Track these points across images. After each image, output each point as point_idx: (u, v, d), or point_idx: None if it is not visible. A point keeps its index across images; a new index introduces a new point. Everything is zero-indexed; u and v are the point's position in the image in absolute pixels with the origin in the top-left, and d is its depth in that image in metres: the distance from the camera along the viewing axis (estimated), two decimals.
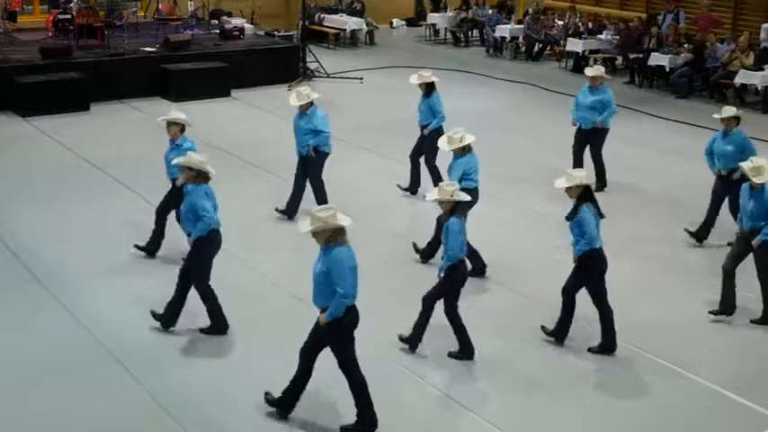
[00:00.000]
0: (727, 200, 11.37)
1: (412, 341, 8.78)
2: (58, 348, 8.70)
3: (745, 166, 9.50)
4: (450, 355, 8.70)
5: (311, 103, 11.53)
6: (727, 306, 9.63)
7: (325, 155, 11.75)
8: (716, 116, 11.46)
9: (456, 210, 8.51)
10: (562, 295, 8.88)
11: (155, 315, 9.02)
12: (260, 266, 10.52)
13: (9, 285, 9.97)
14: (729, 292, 9.61)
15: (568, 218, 8.73)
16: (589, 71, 13.37)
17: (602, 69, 13.63)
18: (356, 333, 7.38)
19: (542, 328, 9.11)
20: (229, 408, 7.80)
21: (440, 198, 8.53)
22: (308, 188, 11.88)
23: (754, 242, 9.38)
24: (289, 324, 8.72)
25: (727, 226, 11.29)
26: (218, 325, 8.96)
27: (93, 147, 14.86)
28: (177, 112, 10.48)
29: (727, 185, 11.19)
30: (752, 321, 9.58)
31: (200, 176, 8.70)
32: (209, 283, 8.84)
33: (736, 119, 11.26)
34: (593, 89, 13.10)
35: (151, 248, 10.70)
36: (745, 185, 9.58)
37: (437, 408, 7.96)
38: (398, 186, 12.99)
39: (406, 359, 8.60)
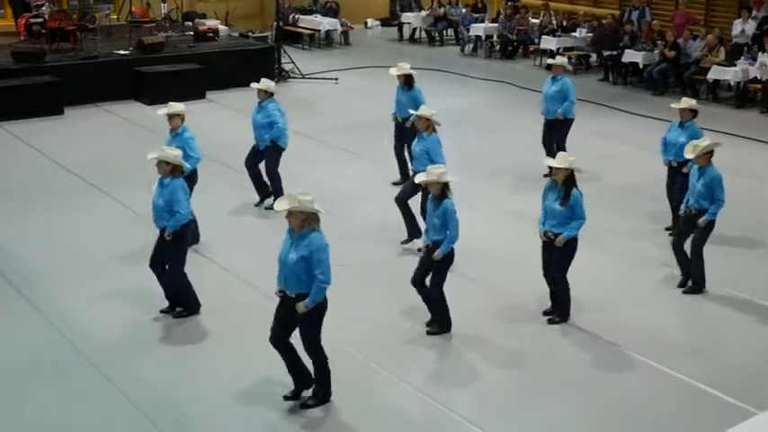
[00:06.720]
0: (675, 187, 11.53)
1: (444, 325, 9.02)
2: (30, 351, 8.64)
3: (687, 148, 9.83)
4: (430, 332, 8.94)
5: (271, 95, 11.81)
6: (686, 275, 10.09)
7: (281, 149, 11.91)
8: (673, 105, 11.58)
9: (446, 192, 8.59)
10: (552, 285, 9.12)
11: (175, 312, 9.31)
12: (229, 264, 10.54)
13: None
14: (686, 264, 9.99)
15: (562, 204, 8.81)
16: (550, 60, 13.72)
17: (565, 60, 13.78)
18: (332, 332, 7.37)
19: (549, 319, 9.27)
20: (204, 405, 7.78)
21: (428, 180, 8.61)
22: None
23: (701, 221, 9.65)
24: (256, 319, 8.76)
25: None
26: (193, 306, 9.31)
27: (68, 151, 14.79)
28: (176, 104, 10.70)
29: (675, 175, 11.37)
30: (684, 292, 9.99)
31: (176, 170, 8.93)
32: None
33: (692, 111, 11.35)
34: (554, 79, 13.33)
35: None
36: (694, 166, 9.82)
37: (413, 406, 7.94)
38: (394, 184, 12.67)
39: (382, 358, 8.58)
